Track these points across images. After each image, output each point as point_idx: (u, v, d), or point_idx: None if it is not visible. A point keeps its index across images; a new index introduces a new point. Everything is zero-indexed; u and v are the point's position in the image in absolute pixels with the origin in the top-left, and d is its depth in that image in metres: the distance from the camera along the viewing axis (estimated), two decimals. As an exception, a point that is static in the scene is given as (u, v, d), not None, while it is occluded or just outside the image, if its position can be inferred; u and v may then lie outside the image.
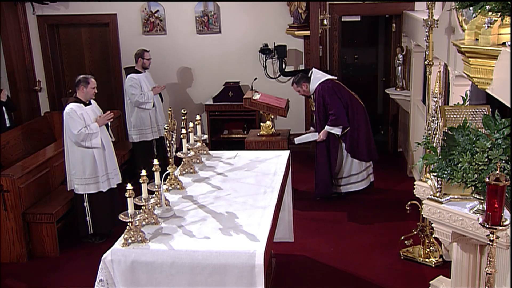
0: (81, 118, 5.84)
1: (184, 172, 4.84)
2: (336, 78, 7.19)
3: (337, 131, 6.81)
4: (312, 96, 7.01)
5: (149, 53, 7.68)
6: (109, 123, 6.18)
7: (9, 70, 8.93)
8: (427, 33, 5.15)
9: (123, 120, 8.16)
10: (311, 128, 7.35)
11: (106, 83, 9.42)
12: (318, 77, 6.93)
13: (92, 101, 6.13)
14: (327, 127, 6.82)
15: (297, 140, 7.12)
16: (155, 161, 3.99)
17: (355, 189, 7.09)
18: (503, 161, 3.33)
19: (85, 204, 6.07)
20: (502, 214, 2.90)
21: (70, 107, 5.87)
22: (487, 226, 2.93)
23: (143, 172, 3.73)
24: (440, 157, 3.72)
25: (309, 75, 7.05)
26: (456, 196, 3.82)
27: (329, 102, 6.76)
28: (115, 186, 6.24)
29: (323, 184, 7.02)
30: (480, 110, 3.94)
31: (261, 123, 7.30)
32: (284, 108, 7.14)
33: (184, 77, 9.19)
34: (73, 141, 5.86)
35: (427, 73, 5.35)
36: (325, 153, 6.93)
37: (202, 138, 5.20)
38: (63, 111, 5.97)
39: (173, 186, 4.51)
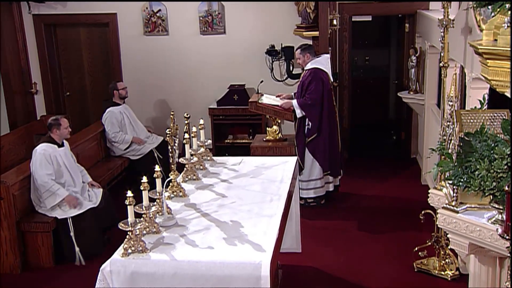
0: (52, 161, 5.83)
1: (186, 178, 4.80)
2: (333, 82, 7.22)
3: (299, 113, 6.89)
4: (303, 70, 7.09)
5: (123, 83, 7.90)
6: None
7: (4, 71, 8.76)
8: (442, 33, 5.06)
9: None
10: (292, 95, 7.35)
11: (105, 85, 9.28)
12: (321, 63, 6.97)
13: (65, 142, 6.11)
14: (295, 102, 6.92)
15: (265, 97, 7.26)
16: (157, 168, 3.93)
17: (313, 195, 7.02)
18: (524, 169, 3.23)
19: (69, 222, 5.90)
20: (523, 225, 2.80)
21: (43, 148, 5.86)
22: (507, 237, 2.86)
23: (144, 179, 3.67)
24: (456, 164, 3.64)
25: (317, 55, 7.11)
26: (473, 205, 3.73)
27: (313, 88, 6.82)
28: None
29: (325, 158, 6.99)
30: (499, 115, 3.84)
31: (267, 128, 7.25)
32: (291, 112, 7.03)
33: (187, 79, 9.10)
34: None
35: (442, 75, 5.27)
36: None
37: (206, 143, 5.16)
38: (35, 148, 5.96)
39: (175, 193, 4.46)
